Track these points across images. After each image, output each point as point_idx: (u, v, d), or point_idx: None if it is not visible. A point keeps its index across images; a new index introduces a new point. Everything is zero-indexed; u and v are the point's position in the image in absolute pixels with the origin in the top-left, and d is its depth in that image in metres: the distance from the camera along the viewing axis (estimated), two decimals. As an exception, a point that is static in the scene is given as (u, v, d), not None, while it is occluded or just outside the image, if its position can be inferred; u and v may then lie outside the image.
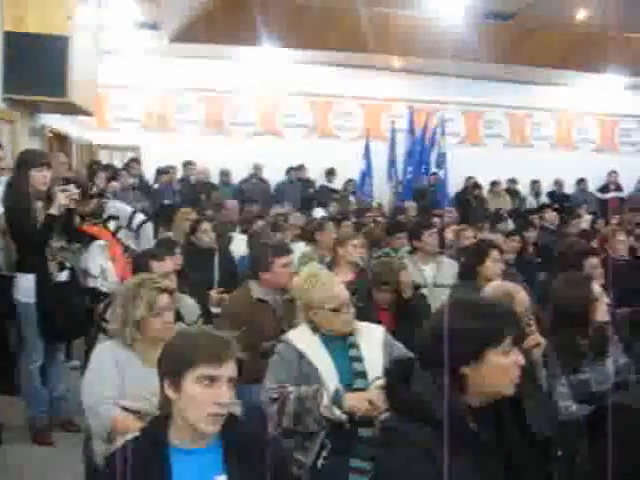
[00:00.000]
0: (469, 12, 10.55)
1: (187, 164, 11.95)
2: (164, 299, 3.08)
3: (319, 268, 3.60)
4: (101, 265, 5.32)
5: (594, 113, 14.91)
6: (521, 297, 3.11)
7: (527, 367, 2.22)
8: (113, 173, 9.08)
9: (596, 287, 3.47)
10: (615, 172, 14.34)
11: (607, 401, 2.52)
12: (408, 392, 2.06)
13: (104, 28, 9.17)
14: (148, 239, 6.32)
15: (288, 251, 4.39)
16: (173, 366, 2.08)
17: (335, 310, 3.14)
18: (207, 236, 6.05)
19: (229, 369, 2.05)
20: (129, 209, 6.54)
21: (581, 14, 10.97)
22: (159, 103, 12.58)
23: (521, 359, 2.09)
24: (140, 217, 6.47)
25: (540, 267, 7.34)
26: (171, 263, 4.15)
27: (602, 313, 3.44)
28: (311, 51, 12.09)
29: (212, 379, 2.03)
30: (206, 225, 6.13)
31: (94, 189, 7.58)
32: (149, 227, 6.41)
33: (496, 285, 3.23)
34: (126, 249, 6.10)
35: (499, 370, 2.05)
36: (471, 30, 10.77)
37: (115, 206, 6.47)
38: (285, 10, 10.73)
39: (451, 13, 10.51)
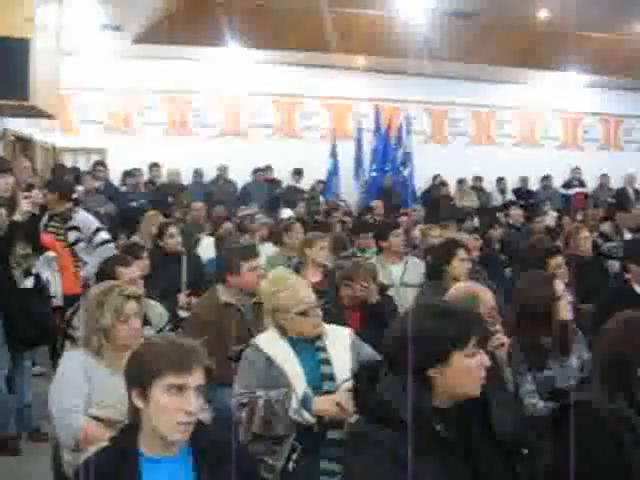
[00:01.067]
0: (431, 12, 10.62)
1: (153, 166, 11.86)
2: (131, 306, 3.07)
3: (286, 271, 3.60)
4: (46, 277, 5.23)
5: (557, 111, 15.10)
6: (486, 297, 3.15)
7: (493, 367, 2.27)
8: (76, 176, 8.99)
9: (559, 286, 3.53)
10: (578, 168, 14.56)
11: (571, 398, 2.55)
12: (375, 395, 2.08)
13: (66, 29, 9.08)
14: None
15: (256, 254, 4.38)
16: (140, 376, 2.07)
17: (302, 314, 3.15)
18: (174, 240, 6.02)
19: (197, 377, 2.05)
20: (94, 225, 6.47)
21: (541, 13, 11.12)
22: (123, 105, 12.47)
23: (486, 360, 2.12)
24: (103, 236, 6.41)
25: (506, 264, 7.44)
26: (138, 268, 4.13)
27: (565, 311, 3.51)
28: (275, 51, 12.10)
29: (180, 388, 2.03)
30: (173, 229, 6.10)
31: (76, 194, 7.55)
32: (110, 248, 6.34)
33: (461, 286, 3.26)
34: (78, 262, 6.07)
35: (465, 372, 2.08)
36: (434, 29, 10.85)
37: (82, 218, 6.40)
38: (247, 10, 10.72)
39: (414, 13, 10.57)
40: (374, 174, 13.01)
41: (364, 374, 2.21)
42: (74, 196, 6.74)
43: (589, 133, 15.51)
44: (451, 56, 12.17)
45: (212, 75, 12.56)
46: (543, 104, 14.83)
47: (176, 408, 2.02)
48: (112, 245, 6.46)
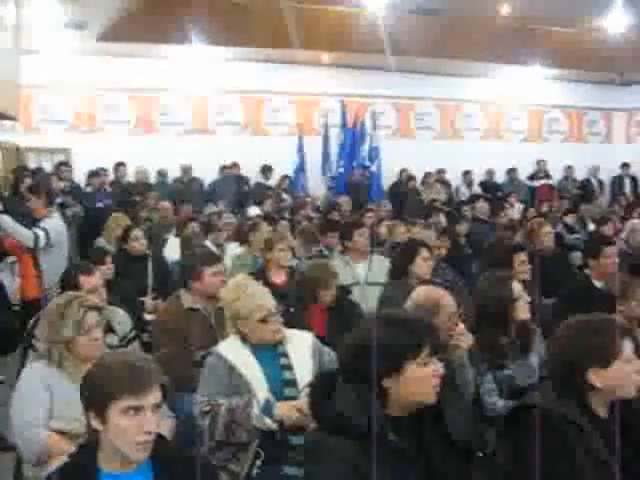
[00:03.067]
0: (396, 7, 10.67)
1: (119, 165, 11.72)
2: (92, 317, 3.07)
3: (246, 278, 3.61)
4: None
5: (521, 104, 15.25)
6: (446, 302, 3.19)
7: (448, 373, 2.32)
8: (40, 178, 8.89)
9: (516, 286, 3.58)
10: (543, 160, 14.73)
11: (527, 398, 2.61)
12: (331, 406, 2.12)
13: (26, 28, 8.98)
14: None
15: (217, 259, 4.38)
16: (96, 398, 2.07)
17: (262, 321, 3.18)
18: (138, 243, 6.00)
19: (153, 397, 2.05)
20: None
21: (504, 8, 11.23)
22: (88, 103, 12.32)
23: (440, 368, 2.17)
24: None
25: (473, 258, 7.50)
26: (100, 276, 4.11)
27: (523, 312, 3.57)
28: (241, 48, 12.05)
29: (137, 409, 2.03)
30: (137, 232, 6.07)
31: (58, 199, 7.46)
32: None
33: (422, 291, 3.30)
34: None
35: (419, 381, 2.13)
36: (399, 25, 10.90)
37: (50, 224, 6.36)
38: (213, 8, 10.68)
39: (378, 8, 10.60)
40: (341, 170, 13.03)
41: (320, 384, 2.24)
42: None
43: (553, 126, 15.70)
44: (417, 51, 12.23)
45: (178, 73, 12.45)
46: (508, 98, 14.96)
47: (135, 429, 2.03)
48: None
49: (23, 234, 5.96)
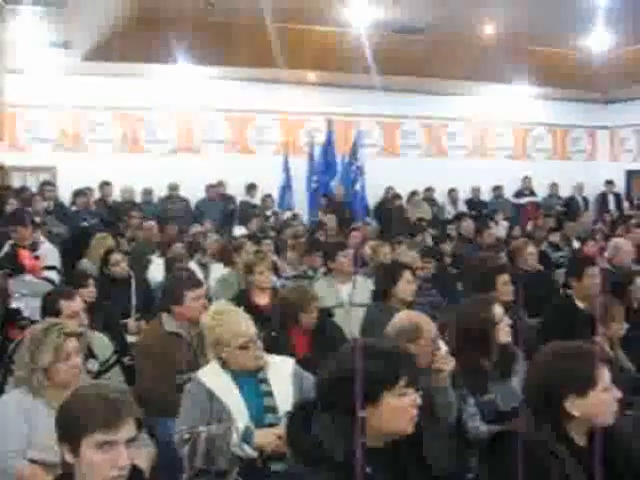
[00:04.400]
0: (380, 26, 10.73)
1: (104, 184, 11.69)
2: (71, 344, 3.05)
3: (226, 304, 3.60)
4: None
5: (507, 122, 15.35)
6: (427, 328, 3.19)
7: (427, 402, 2.31)
8: (25, 198, 8.84)
9: (498, 309, 3.59)
10: (528, 178, 14.81)
11: (508, 425, 2.61)
12: (308, 437, 2.11)
13: (11, 47, 8.97)
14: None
15: (199, 283, 4.36)
16: (69, 432, 2.05)
17: (242, 347, 3.17)
18: (119, 267, 5.94)
19: (127, 431, 2.03)
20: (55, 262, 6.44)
21: (488, 28, 11.32)
22: (73, 122, 12.29)
23: (417, 399, 2.16)
24: (50, 275, 6.34)
25: (458, 277, 7.50)
26: (81, 301, 4.08)
27: (504, 335, 3.57)
28: (227, 67, 12.08)
29: (110, 444, 2.01)
30: (117, 256, 6.01)
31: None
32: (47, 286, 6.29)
33: (403, 315, 3.30)
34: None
35: (396, 411, 2.12)
36: (383, 43, 10.96)
37: (47, 252, 6.34)
38: (199, 27, 10.69)
39: (363, 27, 10.65)
40: (313, 185, 13.02)
41: (298, 414, 2.23)
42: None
43: (538, 143, 15.81)
44: (402, 70, 12.30)
45: (164, 92, 12.47)
46: (493, 116, 15.06)
47: (107, 464, 2.01)
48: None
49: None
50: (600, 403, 2.28)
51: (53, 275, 6.27)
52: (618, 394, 2.33)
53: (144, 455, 2.89)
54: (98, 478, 2.02)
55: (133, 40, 10.73)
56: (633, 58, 12.73)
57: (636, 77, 13.16)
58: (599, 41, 10.87)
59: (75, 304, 3.94)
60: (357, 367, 2.09)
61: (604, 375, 2.31)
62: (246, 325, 3.23)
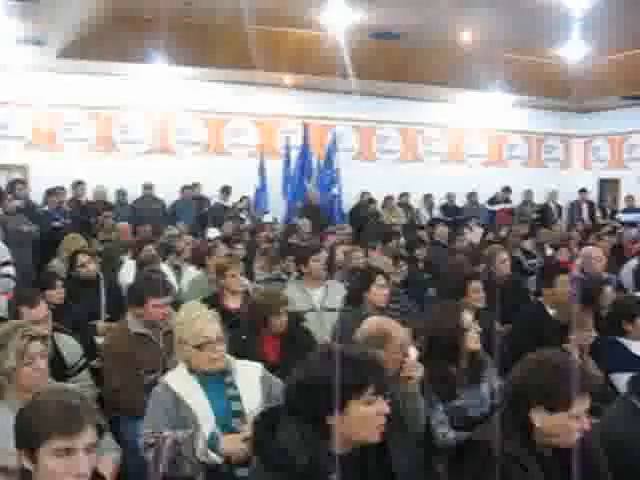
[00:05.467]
0: (357, 31, 10.74)
1: (77, 184, 11.56)
2: (36, 346, 2.98)
3: (197, 304, 3.56)
4: None
5: (482, 129, 15.47)
6: (397, 333, 3.17)
7: (394, 409, 2.29)
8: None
9: (467, 317, 3.58)
10: (509, 189, 14.85)
11: (475, 434, 2.60)
12: (273, 443, 2.08)
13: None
14: None
15: (164, 291, 4.24)
16: (27, 438, 2.00)
17: (198, 347, 3.13)
18: (86, 269, 5.84)
19: (86, 437, 1.99)
20: (4, 258, 6.32)
21: (465, 35, 11.38)
22: (47, 120, 12.15)
23: (385, 408, 2.14)
24: (8, 270, 6.26)
25: (430, 283, 7.50)
26: (46, 307, 3.99)
27: (472, 342, 3.56)
28: (204, 68, 12.02)
29: (68, 450, 1.96)
30: (83, 258, 5.88)
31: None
32: (8, 283, 6.19)
33: (372, 322, 3.27)
34: None
35: (363, 419, 2.10)
36: (360, 48, 10.97)
37: None
38: (175, 27, 10.62)
39: (339, 32, 10.65)
40: (289, 189, 12.98)
41: (263, 421, 2.20)
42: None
43: (513, 151, 15.93)
44: (378, 74, 12.32)
45: (139, 91, 12.39)
46: (469, 122, 15.15)
47: (65, 471, 1.96)
48: (12, 284, 6.30)
49: None
50: (563, 426, 2.27)
51: (10, 269, 6.19)
52: (587, 425, 2.30)
53: (107, 461, 2.84)
54: None
55: (109, 39, 10.67)
56: (608, 68, 12.88)
57: (611, 87, 13.32)
58: (575, 51, 10.98)
59: (38, 311, 3.86)
60: (325, 374, 2.07)
61: (583, 404, 2.28)
62: (205, 325, 3.17)
